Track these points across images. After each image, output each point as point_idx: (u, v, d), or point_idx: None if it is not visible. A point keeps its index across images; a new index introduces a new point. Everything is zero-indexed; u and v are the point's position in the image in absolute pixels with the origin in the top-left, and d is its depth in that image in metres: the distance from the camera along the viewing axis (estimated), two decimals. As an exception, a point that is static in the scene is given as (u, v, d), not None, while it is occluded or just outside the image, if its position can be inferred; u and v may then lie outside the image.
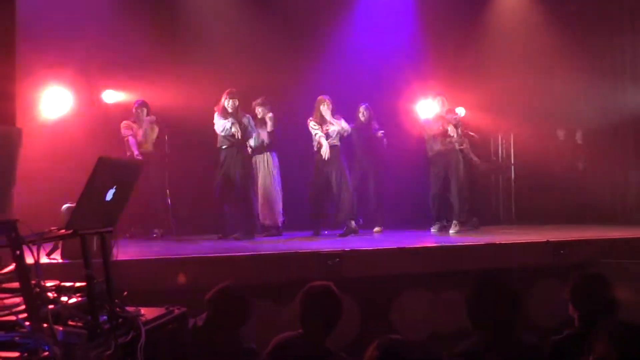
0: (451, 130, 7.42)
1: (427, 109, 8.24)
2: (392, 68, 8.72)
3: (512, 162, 9.77)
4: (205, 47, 8.11)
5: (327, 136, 7.12)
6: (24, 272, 1.93)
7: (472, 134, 7.91)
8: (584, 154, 9.20)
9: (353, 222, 7.19)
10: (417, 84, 8.52)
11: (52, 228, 2.16)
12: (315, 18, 8.66)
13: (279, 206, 7.45)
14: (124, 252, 5.10)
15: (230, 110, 6.86)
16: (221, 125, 6.87)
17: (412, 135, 8.22)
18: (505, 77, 9.08)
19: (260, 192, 7.39)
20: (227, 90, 6.92)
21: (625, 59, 8.75)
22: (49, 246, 4.39)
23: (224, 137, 6.90)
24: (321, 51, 8.51)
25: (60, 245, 4.56)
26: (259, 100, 7.45)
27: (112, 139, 7.27)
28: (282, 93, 8.04)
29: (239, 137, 6.84)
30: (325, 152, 7.01)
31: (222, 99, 6.89)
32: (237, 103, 6.89)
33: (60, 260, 4.51)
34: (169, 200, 7.90)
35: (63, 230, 2.11)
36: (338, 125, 7.18)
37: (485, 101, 9.00)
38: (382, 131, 7.83)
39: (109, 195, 2.20)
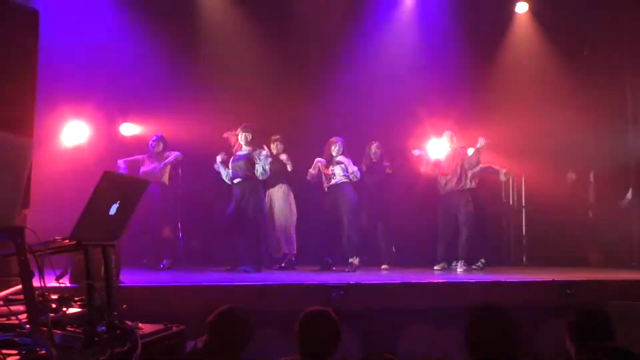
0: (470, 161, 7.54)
1: (438, 147, 8.37)
2: (403, 107, 8.86)
3: (523, 204, 9.78)
4: (223, 81, 8.32)
5: (331, 176, 7.33)
6: (27, 277, 2.02)
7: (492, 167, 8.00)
8: (594, 196, 9.20)
9: (357, 259, 7.25)
10: (429, 123, 8.64)
11: (57, 237, 2.26)
12: (329, 56, 8.86)
13: (294, 239, 7.55)
14: (133, 279, 5.25)
15: (243, 144, 7.03)
16: (223, 174, 7.11)
17: (423, 173, 8.31)
18: (517, 119, 9.17)
19: (277, 224, 7.50)
20: (242, 125, 7.11)
21: (628, 102, 8.87)
22: (58, 271, 4.52)
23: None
24: (334, 89, 8.68)
25: (69, 270, 4.68)
26: (276, 137, 7.62)
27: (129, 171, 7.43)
28: (294, 128, 8.23)
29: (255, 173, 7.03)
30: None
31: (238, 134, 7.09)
32: (249, 137, 7.04)
33: (68, 285, 4.61)
34: (181, 233, 8.05)
35: (67, 241, 2.21)
36: (346, 168, 7.35)
37: (497, 142, 9.10)
38: (390, 168, 7.91)
39: (113, 210, 2.31)
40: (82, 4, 7.61)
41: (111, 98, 7.73)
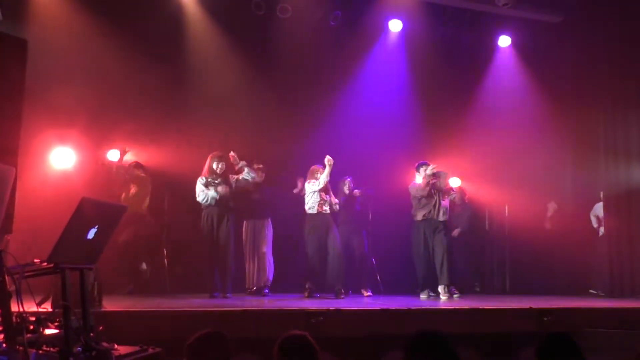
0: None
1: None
2: (386, 137, 9.02)
3: (506, 233, 9.91)
4: (207, 109, 8.44)
5: (322, 204, 7.48)
6: (4, 298, 2.10)
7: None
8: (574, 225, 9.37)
9: (342, 290, 7.32)
10: (411, 153, 8.79)
11: (35, 260, 2.33)
12: (315, 86, 9.02)
13: (270, 271, 7.62)
14: (116, 304, 5.29)
15: (218, 172, 7.11)
16: (203, 194, 7.11)
17: (406, 200, 8.45)
18: (500, 149, 9.36)
19: (251, 255, 7.58)
20: (214, 154, 7.19)
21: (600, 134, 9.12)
22: (41, 296, 4.56)
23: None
24: (317, 119, 8.82)
25: (51, 295, 4.72)
26: (259, 166, 7.74)
27: (114, 197, 7.51)
28: (281, 158, 8.36)
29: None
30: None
31: (208, 162, 7.14)
32: (224, 166, 7.15)
33: (50, 310, 4.65)
34: (166, 260, 8.11)
35: (45, 263, 2.29)
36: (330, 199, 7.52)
37: (480, 172, 9.28)
38: (359, 191, 8.07)
39: (91, 234, 2.39)
40: (68, 32, 7.73)
41: (97, 124, 7.79)
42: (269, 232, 7.72)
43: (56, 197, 6.78)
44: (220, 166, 7.14)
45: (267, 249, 7.66)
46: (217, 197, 7.07)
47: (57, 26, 7.69)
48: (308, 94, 8.99)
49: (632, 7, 8.37)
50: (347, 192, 7.99)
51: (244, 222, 7.76)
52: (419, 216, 7.84)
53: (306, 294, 7.35)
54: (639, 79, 8.63)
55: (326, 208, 7.50)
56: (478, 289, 9.39)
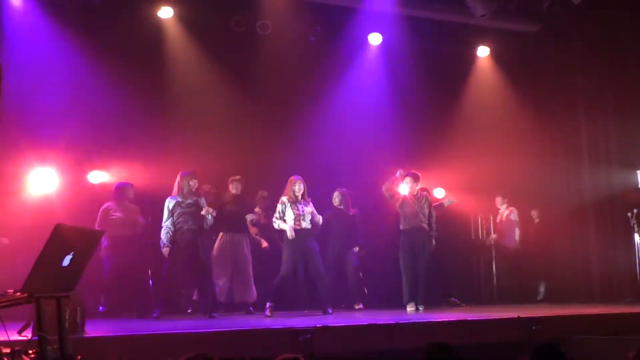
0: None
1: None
2: (369, 147, 9.03)
3: (493, 241, 9.91)
4: (191, 128, 8.41)
5: (300, 218, 7.09)
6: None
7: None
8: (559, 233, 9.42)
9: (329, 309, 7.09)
10: (394, 165, 8.80)
11: (9, 290, 2.27)
12: (296, 101, 9.06)
13: (253, 288, 7.52)
14: (99, 330, 5.20)
15: (186, 190, 6.94)
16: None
17: (392, 213, 8.44)
18: (482, 158, 9.40)
19: (230, 271, 7.47)
20: (183, 172, 7.04)
21: (581, 141, 9.20)
22: (16, 325, 4.48)
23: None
24: (299, 133, 8.84)
25: (32, 322, 4.62)
26: (236, 177, 7.62)
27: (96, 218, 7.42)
28: (263, 173, 8.32)
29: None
30: (291, 235, 6.99)
31: (177, 180, 6.98)
32: (193, 183, 6.97)
33: (30, 338, 4.55)
34: (151, 281, 8.00)
35: (19, 293, 2.23)
36: (313, 215, 7.22)
37: (464, 181, 9.30)
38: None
39: (66, 261, 2.34)
40: (47, 53, 7.68)
41: (78, 145, 7.72)
42: (248, 247, 7.61)
43: (35, 222, 6.69)
44: (192, 184, 6.97)
45: (249, 264, 7.54)
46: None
47: (34, 47, 7.64)
48: (289, 109, 9.02)
49: (607, 15, 8.50)
50: (337, 204, 7.93)
51: (220, 234, 7.55)
52: (403, 225, 7.78)
53: (269, 312, 6.87)
54: (615, 86, 8.75)
55: (305, 224, 7.10)
56: (455, 301, 9.00)
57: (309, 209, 7.17)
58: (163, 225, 6.95)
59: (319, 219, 7.30)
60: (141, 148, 8.02)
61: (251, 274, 7.52)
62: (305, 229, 7.07)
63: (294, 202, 7.11)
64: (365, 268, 8.50)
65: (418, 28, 9.27)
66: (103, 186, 7.99)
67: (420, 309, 7.48)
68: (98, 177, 8.08)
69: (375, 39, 9.48)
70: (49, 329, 2.52)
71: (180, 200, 6.95)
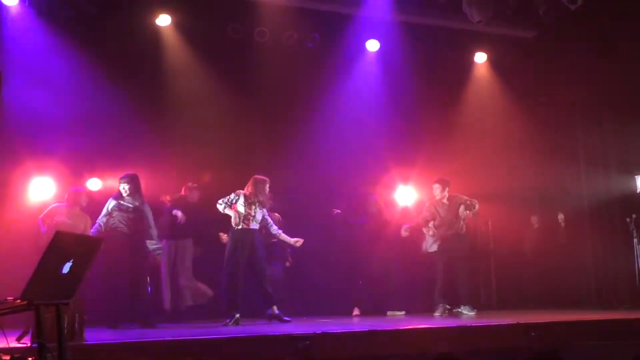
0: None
1: (405, 195, 8.58)
2: (369, 154, 9.05)
3: (492, 248, 9.92)
4: (187, 135, 8.42)
5: (249, 218, 6.82)
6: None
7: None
8: (562, 238, 9.42)
9: (275, 308, 6.90)
10: (396, 171, 8.83)
11: (9, 298, 2.27)
12: (293, 107, 9.05)
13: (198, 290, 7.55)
14: (98, 337, 5.18)
15: (124, 194, 6.81)
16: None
17: (389, 220, 8.47)
18: (481, 163, 9.41)
19: (172, 277, 7.49)
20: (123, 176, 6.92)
21: (579, 146, 9.24)
22: (16, 332, 4.48)
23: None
24: (296, 139, 8.85)
25: (30, 329, 4.61)
26: (193, 184, 7.68)
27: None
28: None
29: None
30: (235, 222, 6.78)
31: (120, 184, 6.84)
32: (127, 187, 6.80)
33: (29, 345, 4.54)
34: (149, 289, 7.97)
35: (19, 300, 2.22)
36: (271, 223, 7.09)
37: (462, 188, 9.29)
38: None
39: (66, 269, 2.34)
40: (45, 62, 7.69)
41: (76, 153, 7.72)
42: (191, 252, 7.63)
43: (35, 230, 6.69)
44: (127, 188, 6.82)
45: (187, 270, 7.57)
46: None
47: (32, 56, 7.66)
48: (286, 115, 9.03)
49: (604, 21, 8.54)
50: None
51: (164, 241, 7.50)
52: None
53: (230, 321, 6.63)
54: (613, 91, 8.78)
55: (254, 225, 6.86)
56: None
57: (262, 214, 6.94)
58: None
59: (275, 229, 7.13)
60: (139, 155, 8.00)
61: (184, 281, 7.54)
62: (252, 229, 6.87)
63: (252, 202, 6.88)
64: (364, 274, 8.50)
65: (415, 34, 9.29)
66: (101, 193, 7.99)
67: (466, 312, 7.60)
68: (97, 184, 8.08)
69: (372, 45, 9.50)
70: (48, 336, 2.51)
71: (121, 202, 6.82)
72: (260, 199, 6.90)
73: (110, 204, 6.85)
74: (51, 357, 2.36)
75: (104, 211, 6.85)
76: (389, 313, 8.03)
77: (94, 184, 8.07)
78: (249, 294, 7.00)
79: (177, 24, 8.59)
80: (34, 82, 7.43)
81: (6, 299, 2.30)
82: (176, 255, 7.59)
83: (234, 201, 6.87)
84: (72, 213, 7.18)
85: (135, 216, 6.79)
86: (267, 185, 6.98)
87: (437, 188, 7.86)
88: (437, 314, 7.64)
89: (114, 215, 6.80)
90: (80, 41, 7.87)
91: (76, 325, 4.69)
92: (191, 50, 8.63)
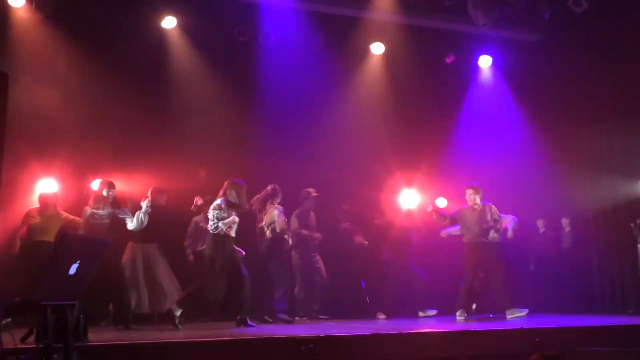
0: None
1: (410, 199, 8.59)
2: (372, 159, 9.03)
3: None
4: (190, 137, 8.42)
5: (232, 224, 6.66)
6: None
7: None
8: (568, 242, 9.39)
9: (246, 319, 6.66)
10: (399, 175, 8.82)
11: (16, 299, 2.27)
12: (298, 111, 9.00)
13: (165, 294, 7.47)
14: (102, 337, 5.19)
15: (107, 198, 6.75)
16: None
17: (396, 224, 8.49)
18: (486, 168, 9.38)
19: (146, 281, 7.45)
20: (104, 180, 6.90)
21: (584, 151, 9.22)
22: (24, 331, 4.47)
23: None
24: (301, 143, 8.85)
25: (35, 330, 4.61)
26: (157, 188, 7.51)
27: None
28: (265, 184, 8.31)
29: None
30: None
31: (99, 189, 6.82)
32: (111, 193, 6.77)
33: (35, 345, 4.54)
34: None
35: (26, 301, 2.22)
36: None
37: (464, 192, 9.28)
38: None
39: (73, 269, 2.34)
40: (50, 63, 7.71)
41: (80, 155, 7.73)
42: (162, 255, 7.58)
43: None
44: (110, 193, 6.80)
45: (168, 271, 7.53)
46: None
47: (38, 58, 7.68)
48: (291, 119, 9.00)
49: (610, 24, 8.52)
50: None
51: (130, 244, 7.46)
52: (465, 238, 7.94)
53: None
54: (618, 95, 8.75)
55: (232, 232, 6.65)
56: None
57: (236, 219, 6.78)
58: None
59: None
60: (143, 158, 8.00)
61: (158, 284, 7.49)
62: (233, 237, 6.71)
63: (230, 207, 6.66)
64: (369, 278, 8.52)
65: (420, 37, 9.29)
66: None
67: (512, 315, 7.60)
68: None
69: (377, 48, 9.50)
70: (53, 336, 2.51)
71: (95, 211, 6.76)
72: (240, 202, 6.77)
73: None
74: (57, 357, 2.36)
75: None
76: (420, 313, 8.22)
77: (97, 185, 8.05)
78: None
79: (183, 26, 8.60)
80: (40, 84, 7.43)
81: (13, 300, 2.30)
82: (147, 260, 7.49)
83: (221, 216, 6.56)
84: (46, 215, 7.02)
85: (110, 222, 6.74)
86: (243, 190, 6.84)
87: (470, 194, 7.90)
88: (460, 318, 7.62)
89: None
90: (87, 43, 7.87)
91: (81, 325, 4.68)
92: (196, 52, 8.65)
